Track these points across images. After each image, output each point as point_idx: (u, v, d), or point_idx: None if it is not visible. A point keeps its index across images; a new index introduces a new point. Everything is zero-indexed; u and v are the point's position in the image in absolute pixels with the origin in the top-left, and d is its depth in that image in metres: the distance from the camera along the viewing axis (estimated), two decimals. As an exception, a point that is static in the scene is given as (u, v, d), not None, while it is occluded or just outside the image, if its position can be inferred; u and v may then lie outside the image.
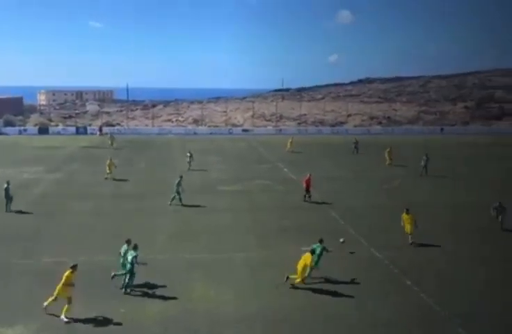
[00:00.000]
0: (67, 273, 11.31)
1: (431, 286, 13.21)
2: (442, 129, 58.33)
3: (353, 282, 13.41)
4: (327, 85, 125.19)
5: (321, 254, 13.56)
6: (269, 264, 14.77)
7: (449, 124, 63.01)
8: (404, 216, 16.71)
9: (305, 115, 67.38)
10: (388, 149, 33.82)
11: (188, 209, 21.25)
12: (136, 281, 12.68)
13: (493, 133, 56.21)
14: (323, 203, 22.39)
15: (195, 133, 55.30)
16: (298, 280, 12.92)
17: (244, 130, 57.40)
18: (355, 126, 62.28)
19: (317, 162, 34.67)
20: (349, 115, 66.29)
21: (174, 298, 12.26)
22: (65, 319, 10.97)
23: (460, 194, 24.80)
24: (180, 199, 21.53)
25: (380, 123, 64.08)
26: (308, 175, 22.83)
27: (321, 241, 13.73)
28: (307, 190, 22.35)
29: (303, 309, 11.77)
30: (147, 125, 60.80)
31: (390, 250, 15.98)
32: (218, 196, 23.63)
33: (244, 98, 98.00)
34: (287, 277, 13.08)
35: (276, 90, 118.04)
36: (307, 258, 12.85)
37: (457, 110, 70.25)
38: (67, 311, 11.06)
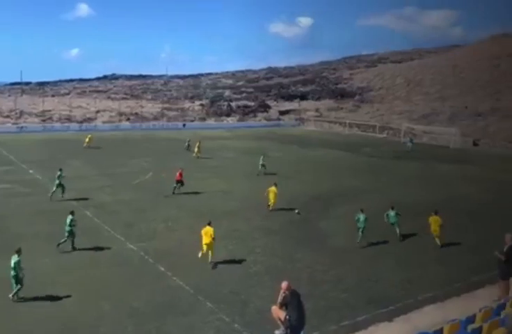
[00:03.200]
0: (213, 229, 13.64)
1: (182, 270, 14.11)
2: (184, 125, 62.12)
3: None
4: (71, 80, 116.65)
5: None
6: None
7: (189, 119, 67.60)
8: (432, 217, 15.85)
9: (49, 111, 61.17)
10: (198, 144, 35.72)
11: None
12: None
13: (225, 127, 63.25)
14: (78, 202, 21.05)
15: None
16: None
17: (-24, 128, 48.24)
18: (104, 122, 60.17)
19: (67, 161, 32.13)
20: (98, 112, 63.51)
21: None
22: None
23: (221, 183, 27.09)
24: (63, 191, 21.45)
25: (128, 119, 63.66)
26: (180, 169, 23.60)
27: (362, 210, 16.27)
28: (181, 182, 23.01)
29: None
30: None
31: (145, 242, 16.31)
32: None
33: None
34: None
35: (14, 84, 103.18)
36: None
37: (195, 107, 75.86)
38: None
